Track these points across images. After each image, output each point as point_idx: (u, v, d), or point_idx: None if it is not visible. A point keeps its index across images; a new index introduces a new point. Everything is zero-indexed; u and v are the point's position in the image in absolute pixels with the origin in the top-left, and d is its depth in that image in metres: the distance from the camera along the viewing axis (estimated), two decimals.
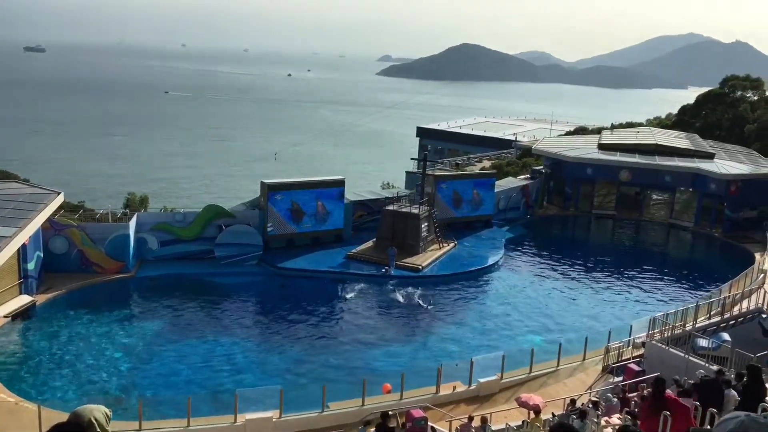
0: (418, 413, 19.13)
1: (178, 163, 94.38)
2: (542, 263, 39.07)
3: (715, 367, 16.22)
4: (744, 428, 2.54)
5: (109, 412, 3.68)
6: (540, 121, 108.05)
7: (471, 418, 17.95)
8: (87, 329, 26.64)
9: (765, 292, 28.24)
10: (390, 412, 17.43)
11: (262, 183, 36.55)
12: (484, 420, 17.78)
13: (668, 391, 11.69)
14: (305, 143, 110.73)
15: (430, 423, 18.93)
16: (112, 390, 22.35)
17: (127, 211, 35.25)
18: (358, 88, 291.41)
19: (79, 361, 24.08)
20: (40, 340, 25.46)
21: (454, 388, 21.94)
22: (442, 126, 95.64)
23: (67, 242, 31.04)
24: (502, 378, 22.55)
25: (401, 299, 31.21)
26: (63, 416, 17.50)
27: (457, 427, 18.20)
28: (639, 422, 11.73)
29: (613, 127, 70.94)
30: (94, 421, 3.65)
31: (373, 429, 17.19)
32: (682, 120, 68.63)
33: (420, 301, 30.85)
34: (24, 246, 27.15)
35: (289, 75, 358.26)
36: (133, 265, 32.33)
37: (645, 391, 16.99)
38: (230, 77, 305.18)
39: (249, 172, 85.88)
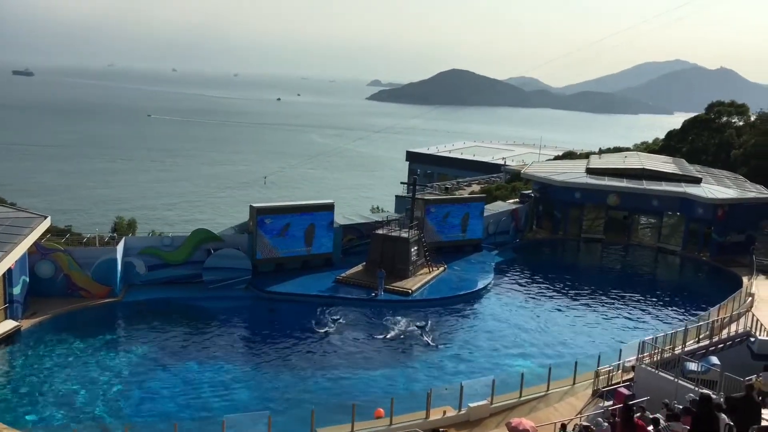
0: None
1: (166, 187, 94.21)
2: (532, 287, 39.10)
3: (703, 391, 16.17)
4: None
5: None
6: (528, 146, 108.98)
7: None
8: (73, 354, 26.30)
9: (753, 315, 28.34)
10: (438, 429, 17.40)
11: (251, 206, 36.51)
12: None
13: (636, 418, 12.00)
14: (295, 167, 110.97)
15: None
16: (100, 416, 22.02)
17: (115, 235, 35.06)
18: (348, 112, 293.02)
19: (66, 386, 23.74)
20: (25, 365, 25.11)
21: (444, 412, 21.76)
22: (432, 150, 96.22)
23: (53, 266, 30.77)
24: (492, 402, 22.39)
25: (394, 330, 30.57)
26: None
27: None
28: None
29: (600, 151, 71.68)
30: None
31: None
32: (668, 145, 69.45)
33: (425, 338, 30.09)
34: (10, 270, 26.88)
35: (279, 99, 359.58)
36: (121, 289, 32.06)
37: (636, 416, 16.94)
38: (219, 101, 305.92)
39: (238, 195, 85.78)
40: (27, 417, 21.60)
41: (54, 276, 30.77)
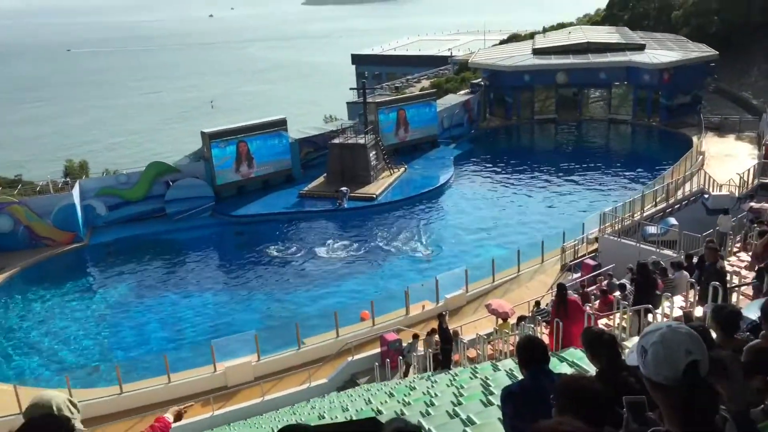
0: (391, 336, 19.80)
1: (108, 123, 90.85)
2: (492, 175, 39.74)
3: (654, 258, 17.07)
4: (666, 340, 2.54)
5: (72, 401, 3.15)
6: (473, 33, 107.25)
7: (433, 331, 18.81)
8: (50, 303, 26.32)
9: (705, 173, 29.42)
10: (443, 312, 18.32)
11: (203, 132, 35.80)
12: (455, 333, 18.49)
13: (570, 295, 13.08)
14: (239, 86, 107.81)
15: (404, 343, 19.60)
16: (87, 360, 22.35)
17: (68, 179, 34.23)
18: (286, 21, 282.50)
19: (48, 336, 23.91)
20: (3, 321, 25.07)
21: (423, 307, 22.62)
22: (377, 50, 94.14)
23: (11, 220, 30.12)
24: (467, 291, 23.31)
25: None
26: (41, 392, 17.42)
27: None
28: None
29: (544, 30, 70.97)
30: (56, 411, 3.16)
31: (425, 336, 18.00)
32: (611, 14, 69.03)
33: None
34: None
35: (211, 16, 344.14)
36: (85, 233, 31.68)
37: (603, 284, 17.87)
38: (146, 26, 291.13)
39: (187, 123, 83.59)
40: (14, 370, 21.82)
41: (14, 229, 30.16)
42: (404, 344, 19.03)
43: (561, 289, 13.13)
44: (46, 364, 22.20)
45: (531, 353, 4.71)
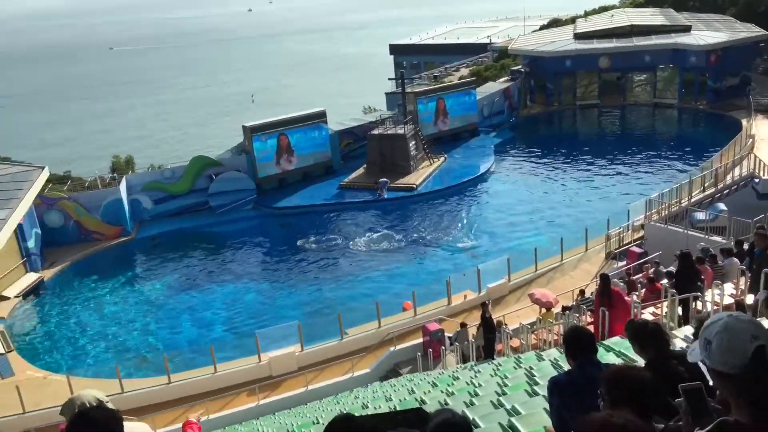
0: (433, 326, 19.76)
1: (153, 119, 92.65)
2: (533, 163, 39.25)
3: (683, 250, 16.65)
4: (730, 328, 2.55)
5: (103, 397, 3.26)
6: (512, 19, 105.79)
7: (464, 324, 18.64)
8: (99, 296, 27.05)
9: (755, 156, 28.53)
10: (486, 301, 18.24)
11: (244, 126, 36.20)
12: (499, 323, 18.34)
13: (614, 286, 12.82)
14: (279, 79, 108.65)
15: (447, 333, 19.56)
16: (135, 350, 22.91)
17: (115, 174, 35.03)
18: (323, 13, 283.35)
19: (97, 327, 24.59)
20: (55, 313, 25.88)
21: (465, 296, 22.50)
22: (415, 40, 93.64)
23: (61, 215, 31.02)
24: (510, 280, 23.10)
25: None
26: (92, 383, 17.94)
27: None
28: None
29: (586, 14, 69.57)
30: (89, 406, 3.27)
31: (474, 324, 18.00)
32: None
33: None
34: (20, 225, 27.17)
35: (250, 10, 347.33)
36: (132, 227, 32.43)
37: (650, 272, 17.49)
38: (187, 22, 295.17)
39: (228, 117, 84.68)
40: (66, 361, 22.50)
41: (64, 224, 31.08)
42: (451, 333, 18.96)
43: (604, 279, 12.92)
44: (96, 355, 22.83)
45: (578, 343, 4.64)
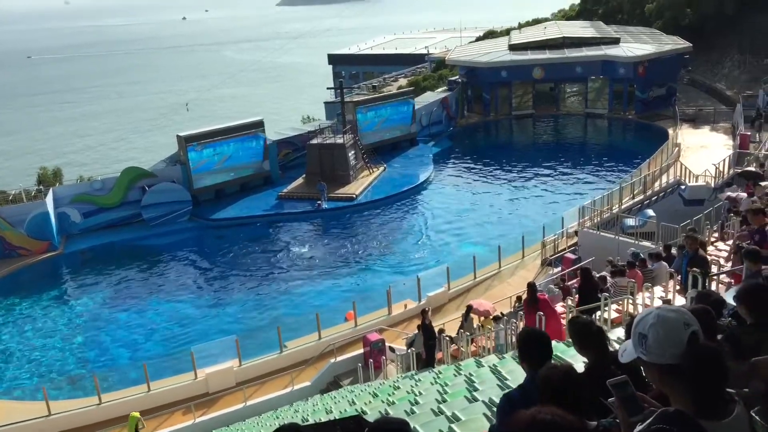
0: (374, 336, 19.65)
1: (80, 129, 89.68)
2: (471, 172, 39.74)
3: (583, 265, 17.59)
4: (663, 319, 2.61)
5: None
6: (449, 31, 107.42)
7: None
8: (23, 314, 25.81)
9: (681, 164, 29.63)
10: (425, 309, 18.06)
11: (179, 136, 35.37)
12: (440, 331, 18.36)
13: (540, 293, 13.44)
14: (214, 88, 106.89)
15: (387, 343, 19.48)
16: (64, 370, 21.93)
17: (41, 187, 33.62)
18: (260, 23, 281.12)
19: (22, 347, 23.43)
20: None
21: (405, 306, 22.48)
22: (354, 50, 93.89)
23: None
24: (449, 288, 23.22)
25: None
26: (17, 406, 17.06)
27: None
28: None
29: (520, 26, 71.24)
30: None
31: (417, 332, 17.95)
32: (585, 9, 69.57)
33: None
34: None
35: (184, 18, 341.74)
36: (59, 241, 31.14)
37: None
38: (119, 30, 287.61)
39: (162, 126, 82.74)
40: None
41: None
42: (409, 335, 18.80)
43: (531, 287, 13.23)
44: (22, 375, 21.74)
45: (534, 346, 4.37)
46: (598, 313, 12.45)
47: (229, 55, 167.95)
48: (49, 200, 30.89)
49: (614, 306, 12.99)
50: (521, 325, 15.86)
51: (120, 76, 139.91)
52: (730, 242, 14.02)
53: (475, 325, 18.16)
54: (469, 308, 18.51)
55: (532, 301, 12.85)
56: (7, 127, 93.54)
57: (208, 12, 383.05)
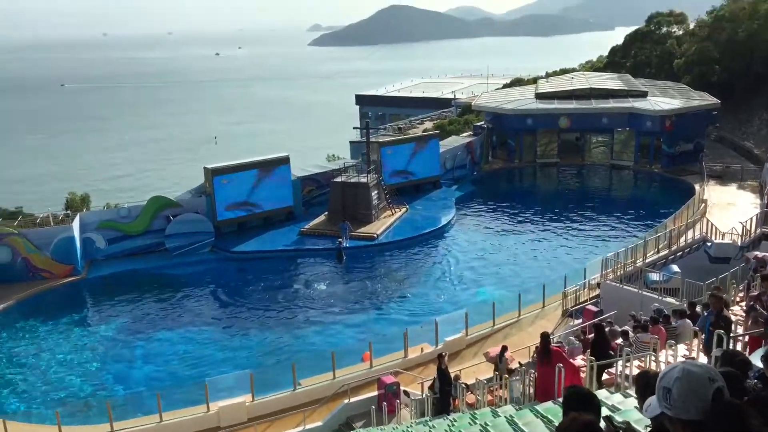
0: (389, 379, 19.41)
1: (114, 157, 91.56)
2: (493, 218, 39.67)
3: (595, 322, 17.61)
4: (688, 374, 2.61)
5: None
6: (477, 77, 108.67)
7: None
8: (44, 337, 25.97)
9: (707, 220, 29.30)
10: (442, 353, 17.84)
11: (206, 168, 35.88)
12: (456, 377, 18.13)
13: (556, 345, 13.33)
14: (243, 123, 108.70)
15: (402, 387, 19.24)
16: (78, 396, 21.93)
17: (69, 212, 34.17)
18: (292, 61, 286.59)
19: (41, 369, 23.51)
20: None
21: (422, 350, 22.26)
22: (381, 91, 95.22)
23: (9, 251, 29.94)
24: (467, 334, 22.98)
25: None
26: (30, 428, 17.04)
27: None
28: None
29: (548, 75, 71.88)
30: None
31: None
32: (613, 61, 70.05)
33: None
34: None
35: (217, 54, 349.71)
36: (83, 266, 31.48)
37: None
38: (153, 62, 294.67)
39: (190, 158, 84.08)
40: (5, 403, 21.40)
41: (12, 261, 29.98)
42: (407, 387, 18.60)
43: (544, 338, 13.02)
44: (36, 399, 21.77)
45: (577, 406, 3.94)
46: (619, 368, 12.24)
47: (259, 92, 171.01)
48: (76, 225, 31.34)
49: (636, 362, 12.76)
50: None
51: (151, 107, 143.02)
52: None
53: (512, 367, 17.86)
54: (504, 349, 18.21)
55: (545, 351, 12.66)
56: (39, 153, 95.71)
57: (241, 49, 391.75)
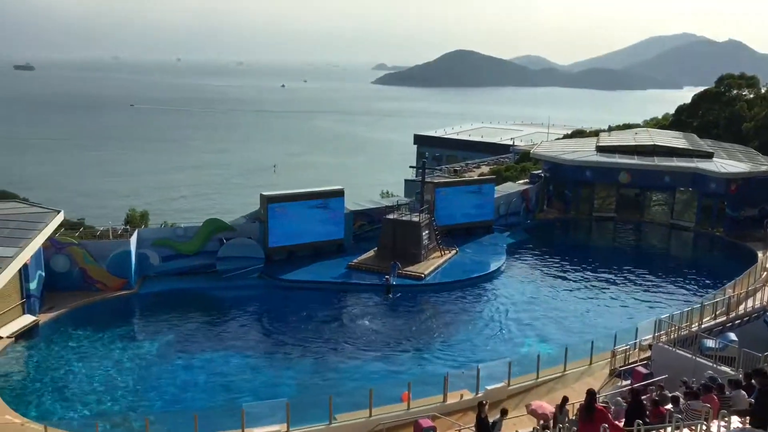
0: (426, 423, 19.05)
1: (175, 177, 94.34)
2: (544, 267, 39.01)
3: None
4: None
5: None
6: (537, 125, 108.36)
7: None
8: (91, 347, 26.52)
9: None
10: (483, 402, 17.41)
11: (262, 195, 36.54)
12: (504, 411, 17.53)
13: (602, 404, 12.80)
14: (303, 154, 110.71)
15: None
16: (119, 409, 22.22)
17: (128, 227, 35.21)
18: (354, 97, 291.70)
19: (84, 380, 23.95)
20: (44, 359, 25.33)
21: (462, 396, 21.81)
22: (440, 133, 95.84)
23: (68, 260, 30.98)
24: (509, 385, 22.43)
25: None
26: None
27: None
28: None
29: (610, 129, 71.02)
30: None
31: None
32: (679, 120, 68.78)
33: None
34: (26, 266, 27.07)
35: (283, 86, 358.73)
36: (136, 281, 32.25)
37: (654, 395, 16.93)
38: (223, 90, 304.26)
39: (248, 184, 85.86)
40: (47, 410, 21.83)
41: (70, 270, 30.99)
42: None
43: (590, 394, 12.62)
44: (77, 408, 22.15)
45: None
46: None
47: (320, 124, 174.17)
48: (133, 240, 32.24)
49: (686, 430, 12.21)
50: None
51: (215, 132, 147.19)
52: None
53: (572, 417, 17.25)
54: (566, 400, 17.59)
55: (589, 409, 12.27)
56: (105, 168, 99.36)
57: (306, 82, 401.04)
